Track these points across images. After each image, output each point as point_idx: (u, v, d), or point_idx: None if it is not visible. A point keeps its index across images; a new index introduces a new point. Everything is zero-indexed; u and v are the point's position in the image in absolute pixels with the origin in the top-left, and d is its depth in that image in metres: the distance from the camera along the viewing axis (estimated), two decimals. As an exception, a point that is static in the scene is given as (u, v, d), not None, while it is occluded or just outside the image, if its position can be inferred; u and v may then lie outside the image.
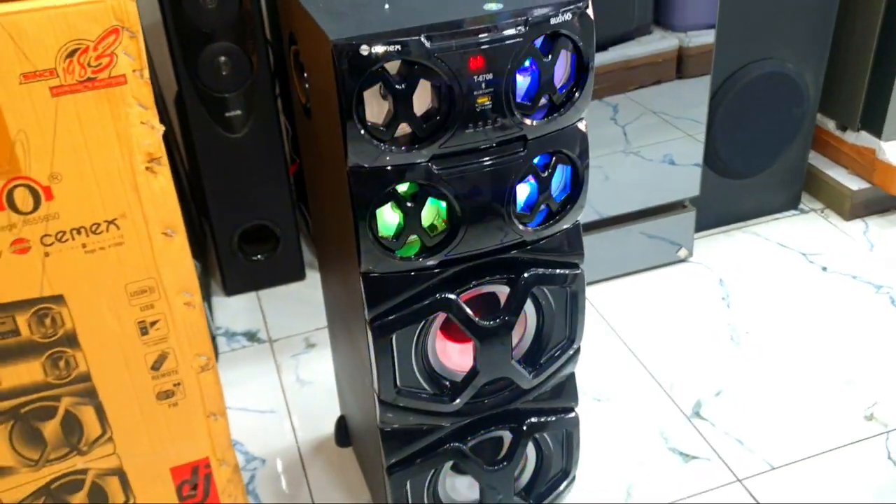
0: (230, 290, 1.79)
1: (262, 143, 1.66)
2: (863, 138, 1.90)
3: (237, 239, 1.73)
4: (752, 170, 1.88)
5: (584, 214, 1.70)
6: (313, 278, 1.80)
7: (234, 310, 1.75)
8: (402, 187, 0.92)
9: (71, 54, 0.78)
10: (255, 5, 1.54)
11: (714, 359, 1.55)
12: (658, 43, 1.68)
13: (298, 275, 1.81)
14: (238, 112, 1.61)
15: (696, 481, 1.32)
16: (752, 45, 1.75)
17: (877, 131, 1.86)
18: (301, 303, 1.74)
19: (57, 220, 0.85)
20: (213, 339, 1.63)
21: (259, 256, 1.77)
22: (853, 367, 1.51)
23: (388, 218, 0.94)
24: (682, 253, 1.81)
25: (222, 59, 1.56)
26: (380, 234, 0.94)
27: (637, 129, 1.72)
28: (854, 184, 1.92)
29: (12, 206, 0.82)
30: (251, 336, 1.67)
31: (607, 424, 1.43)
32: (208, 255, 1.84)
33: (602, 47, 1.66)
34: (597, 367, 1.54)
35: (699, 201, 1.80)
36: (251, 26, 1.54)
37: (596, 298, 1.72)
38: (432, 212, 0.95)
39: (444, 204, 0.94)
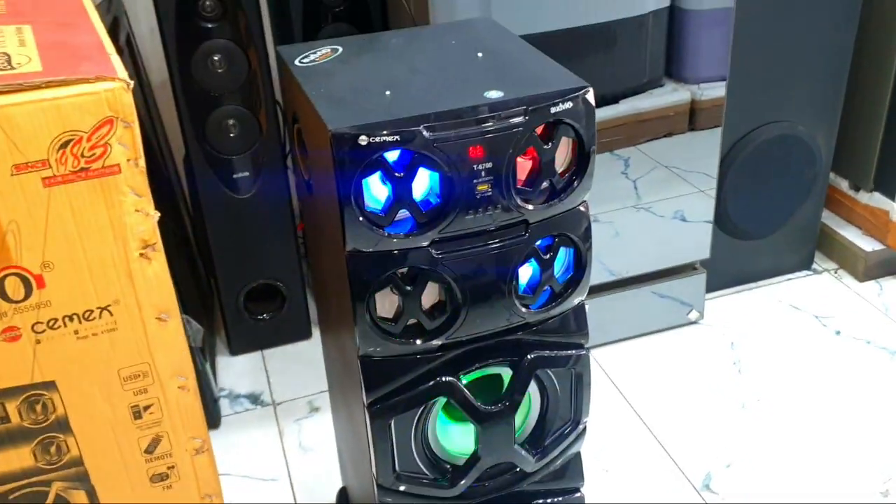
0: (235, 350, 1.77)
1: (269, 202, 1.65)
2: (876, 199, 1.88)
3: (243, 298, 1.72)
4: (764, 231, 1.86)
5: (594, 274, 1.69)
6: (319, 337, 1.78)
7: (239, 371, 1.73)
8: (402, 271, 0.90)
9: (64, 145, 0.77)
10: (264, 66, 1.54)
11: (725, 427, 1.52)
12: (670, 95, 1.68)
13: (305, 333, 1.80)
14: (246, 174, 1.61)
15: (706, 560, 1.29)
16: (764, 107, 1.74)
17: (890, 193, 1.84)
18: (306, 363, 1.72)
19: (48, 308, 0.83)
20: (216, 401, 1.62)
21: (265, 315, 1.76)
22: (868, 439, 1.48)
23: (388, 302, 0.92)
24: (693, 315, 1.78)
25: (230, 121, 1.56)
26: (378, 318, 0.92)
27: (648, 183, 1.71)
28: (868, 245, 1.90)
29: (3, 295, 0.81)
30: (255, 399, 1.65)
31: (615, 496, 1.40)
32: (214, 315, 1.83)
33: (614, 100, 1.66)
34: (605, 435, 1.51)
35: (711, 262, 1.78)
36: (260, 89, 1.54)
37: (605, 361, 1.69)
38: (434, 295, 0.94)
39: (445, 287, 0.92)
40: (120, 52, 1.13)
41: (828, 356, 1.68)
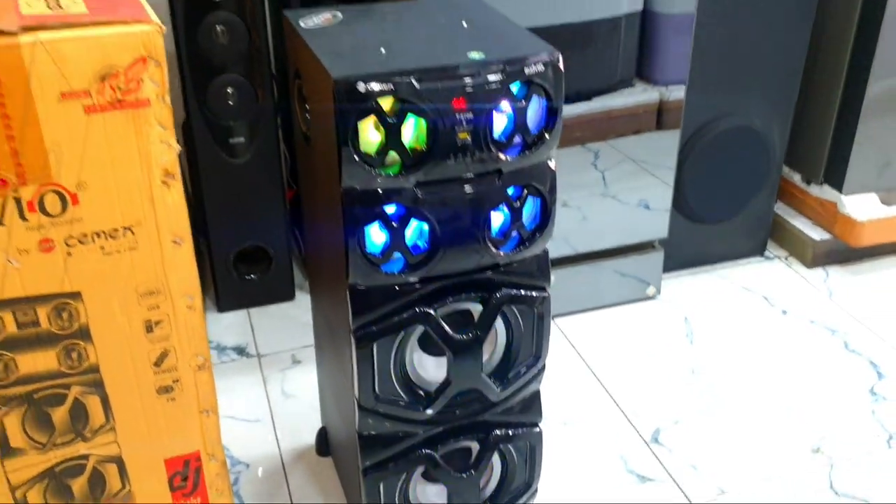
0: (223, 307, 1.89)
1: (262, 169, 1.77)
2: (825, 192, 2.03)
3: (233, 258, 1.84)
4: (720, 217, 2.00)
5: (562, 249, 1.82)
6: (302, 299, 1.90)
7: (226, 325, 1.84)
8: (390, 209, 1.03)
9: (103, 78, 0.88)
10: (264, 42, 1.66)
11: (675, 390, 1.66)
12: (639, 95, 1.79)
13: (288, 295, 1.91)
14: (241, 139, 1.73)
15: (650, 502, 1.42)
16: (722, 100, 1.87)
17: (838, 186, 1.99)
18: (289, 321, 1.84)
19: (80, 224, 0.95)
20: (206, 351, 1.73)
21: (252, 276, 1.87)
22: (805, 404, 1.62)
23: (376, 236, 1.05)
24: (651, 291, 1.92)
25: (230, 89, 1.67)
26: (367, 251, 1.04)
27: (615, 175, 1.83)
28: (817, 234, 2.04)
29: (42, 209, 0.92)
30: (240, 350, 1.77)
31: (572, 446, 1.52)
32: (205, 273, 1.94)
33: (586, 97, 1.78)
34: (565, 393, 1.64)
35: (670, 243, 1.92)
36: (259, 61, 1.66)
37: (568, 329, 1.82)
38: (416, 232, 1.06)
39: (426, 226, 1.05)
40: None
41: (773, 332, 1.82)
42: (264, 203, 1.80)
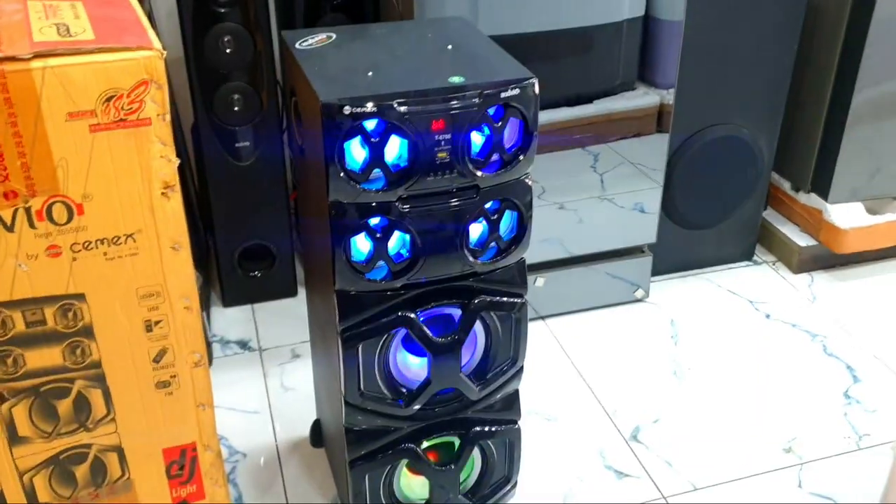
0: (228, 302, 1.97)
1: (266, 171, 1.84)
2: (812, 199, 2.08)
3: (237, 256, 1.92)
4: (709, 222, 2.06)
5: (556, 252, 1.87)
6: (304, 295, 1.98)
7: (230, 320, 1.93)
8: (374, 221, 1.10)
9: (108, 99, 0.96)
10: (268, 50, 1.73)
11: (657, 390, 1.72)
12: (640, 99, 1.84)
13: (291, 291, 1.99)
14: (247, 143, 1.81)
15: (626, 496, 1.49)
16: (712, 109, 1.93)
17: (824, 194, 2.04)
18: (291, 317, 1.91)
19: (85, 232, 1.03)
20: (209, 345, 1.81)
21: (256, 273, 1.95)
22: (780, 405, 1.68)
23: (361, 246, 1.12)
24: (639, 293, 1.99)
25: (236, 96, 1.75)
26: (353, 259, 1.12)
27: (614, 177, 1.88)
28: (803, 240, 2.10)
29: (50, 218, 1.00)
30: (243, 344, 1.85)
31: (553, 441, 1.60)
32: (210, 269, 2.02)
33: (588, 100, 1.84)
34: (550, 391, 1.71)
35: (660, 248, 1.98)
36: (263, 69, 1.74)
37: (557, 329, 1.89)
38: (398, 242, 1.14)
39: (408, 236, 1.12)
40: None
41: (755, 335, 1.89)
42: (268, 204, 1.88)
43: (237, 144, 1.79)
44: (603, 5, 1.73)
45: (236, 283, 1.95)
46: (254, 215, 1.88)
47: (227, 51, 1.69)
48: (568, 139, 1.85)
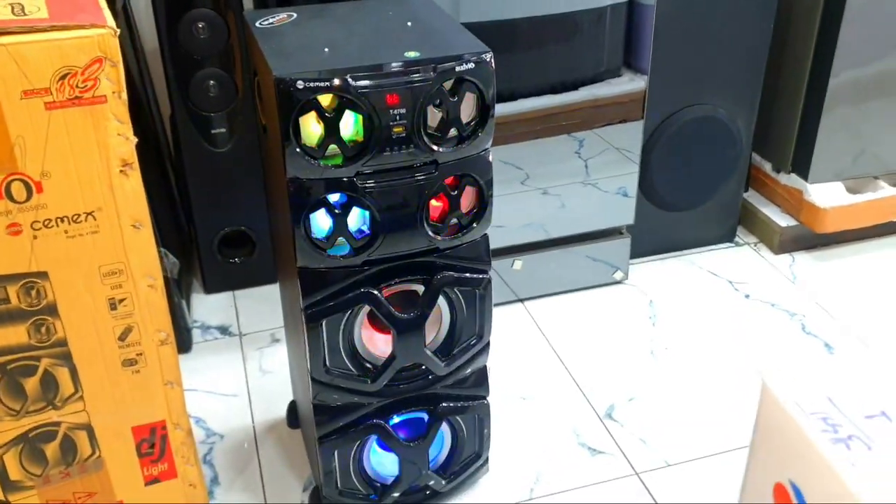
0: (209, 289, 1.98)
1: (243, 157, 1.85)
2: (793, 180, 2.09)
3: (217, 242, 1.93)
4: (689, 204, 2.07)
5: (535, 234, 1.88)
6: (285, 282, 2.00)
7: (211, 306, 1.94)
8: (333, 197, 1.11)
9: (63, 77, 0.97)
10: (242, 36, 1.74)
11: (633, 369, 1.73)
12: (626, 85, 1.85)
13: (271, 278, 2.00)
14: (223, 130, 1.82)
15: (599, 473, 1.50)
16: (688, 90, 1.93)
17: (804, 174, 2.05)
18: (271, 303, 1.92)
19: (45, 209, 1.04)
20: (189, 331, 1.83)
21: (236, 259, 1.97)
22: (756, 383, 1.69)
23: (321, 222, 1.13)
24: (618, 275, 1.99)
25: (211, 82, 1.76)
26: (313, 236, 1.13)
27: (598, 163, 1.89)
28: (784, 221, 2.11)
29: (9, 196, 1.02)
30: (223, 330, 1.86)
31: (528, 420, 1.61)
32: (192, 257, 2.03)
33: (573, 87, 1.85)
34: (526, 370, 1.72)
35: (641, 230, 1.99)
36: (237, 54, 1.75)
37: (536, 311, 1.90)
38: (359, 218, 1.15)
39: (367, 213, 1.13)
40: (115, 14, 1.33)
41: (734, 315, 1.89)
42: (246, 189, 1.89)
43: (213, 131, 1.81)
44: (586, -9, 1.72)
45: (217, 270, 1.97)
46: (232, 202, 1.90)
47: (201, 37, 1.70)
48: (553, 125, 1.85)
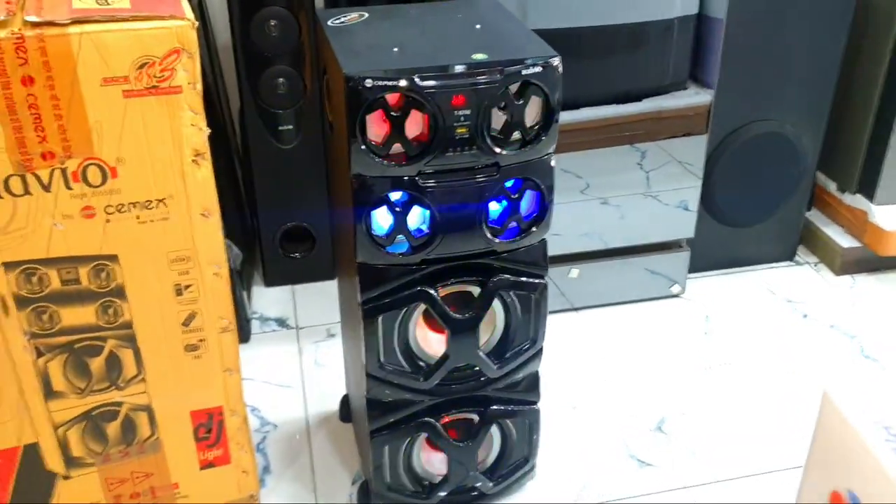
0: (269, 282, 2.02)
1: (308, 155, 1.89)
2: (857, 201, 2.06)
3: (279, 237, 1.97)
4: (750, 220, 2.05)
5: (593, 243, 1.88)
6: (342, 279, 2.03)
7: (271, 299, 1.98)
8: (395, 195, 1.13)
9: (141, 66, 1.01)
10: (312, 35, 1.78)
11: (686, 383, 1.72)
12: (691, 98, 1.84)
13: (330, 274, 2.03)
14: (290, 127, 1.85)
15: (647, 485, 1.49)
16: (754, 105, 1.91)
17: (870, 195, 2.02)
18: (328, 298, 1.95)
19: (119, 195, 1.08)
20: (248, 321, 1.86)
21: (297, 254, 2.00)
22: (812, 404, 1.67)
23: (382, 220, 1.15)
24: (676, 289, 1.98)
25: (280, 80, 1.79)
26: (373, 232, 1.15)
27: (660, 176, 1.88)
28: (846, 242, 2.07)
29: (85, 180, 1.05)
30: (281, 322, 1.90)
31: (578, 429, 1.61)
32: (254, 250, 2.07)
33: (637, 98, 1.84)
34: (577, 380, 1.72)
35: (700, 245, 1.98)
36: (307, 54, 1.78)
37: (590, 320, 1.90)
38: (419, 217, 1.16)
39: (428, 212, 1.15)
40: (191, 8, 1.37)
41: (791, 334, 1.87)
42: (309, 187, 1.92)
43: (280, 128, 1.84)
44: (654, 2, 1.73)
45: (278, 264, 2.00)
46: (295, 198, 1.93)
47: (273, 34, 1.73)
48: (616, 136, 1.85)
